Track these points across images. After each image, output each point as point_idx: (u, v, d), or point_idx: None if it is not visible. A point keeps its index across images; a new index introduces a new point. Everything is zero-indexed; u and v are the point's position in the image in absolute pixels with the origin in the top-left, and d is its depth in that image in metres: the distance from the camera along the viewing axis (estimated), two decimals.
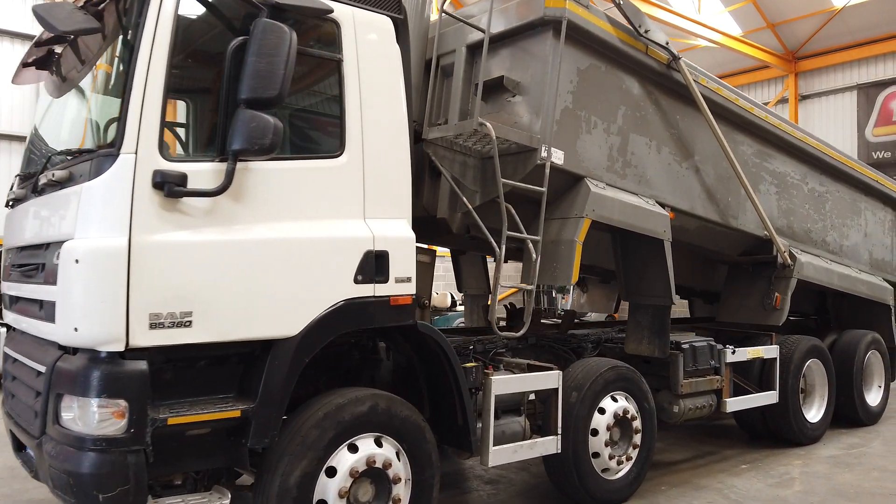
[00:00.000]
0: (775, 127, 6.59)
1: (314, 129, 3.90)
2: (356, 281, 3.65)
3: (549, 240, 4.98)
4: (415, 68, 5.27)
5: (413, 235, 3.92)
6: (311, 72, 3.76)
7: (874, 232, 8.30)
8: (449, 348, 4.07)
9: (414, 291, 3.91)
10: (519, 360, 4.94)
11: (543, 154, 4.68)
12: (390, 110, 3.93)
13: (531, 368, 4.81)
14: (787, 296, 6.67)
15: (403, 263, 3.86)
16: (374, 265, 3.72)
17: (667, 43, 5.36)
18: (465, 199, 4.77)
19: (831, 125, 16.44)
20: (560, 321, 7.11)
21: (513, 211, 4.80)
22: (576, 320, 8.06)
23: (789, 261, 6.63)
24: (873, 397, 8.03)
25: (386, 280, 3.77)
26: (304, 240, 3.48)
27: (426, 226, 5.61)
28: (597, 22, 4.95)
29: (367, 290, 3.70)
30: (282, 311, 3.41)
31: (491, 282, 4.61)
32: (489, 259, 7.04)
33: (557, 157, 4.81)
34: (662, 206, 5.59)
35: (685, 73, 5.46)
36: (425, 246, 5.98)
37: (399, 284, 3.83)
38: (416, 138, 4.95)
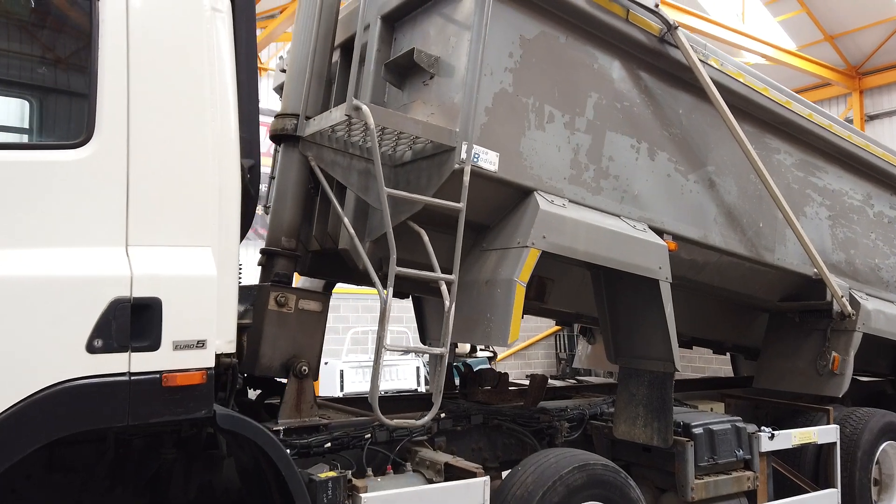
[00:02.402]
0: (825, 129, 4.94)
1: (30, 101, 2.55)
2: (91, 348, 2.23)
3: (483, 279, 3.48)
4: (319, 50, 3.92)
5: (214, 273, 2.49)
6: (33, 10, 2.43)
7: None
8: (277, 452, 2.59)
9: (210, 363, 2.46)
10: (436, 457, 3.39)
11: (462, 156, 3.21)
12: (190, 82, 2.56)
13: (449, 470, 3.26)
14: (848, 356, 4.92)
15: (191, 317, 2.43)
16: (130, 322, 2.29)
17: (656, 6, 3.85)
18: (347, 221, 3.34)
19: None
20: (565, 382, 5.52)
21: (425, 238, 3.36)
22: (576, 381, 6.45)
23: (849, 309, 4.89)
24: None
25: (154, 346, 2.34)
26: None
27: (333, 261, 4.22)
28: None
29: (114, 362, 2.27)
30: None
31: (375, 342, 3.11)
32: None
33: (488, 160, 3.34)
34: (659, 233, 4.02)
35: (685, 49, 3.93)
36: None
37: (181, 353, 2.39)
38: (296, 138, 3.61)
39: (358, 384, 12.09)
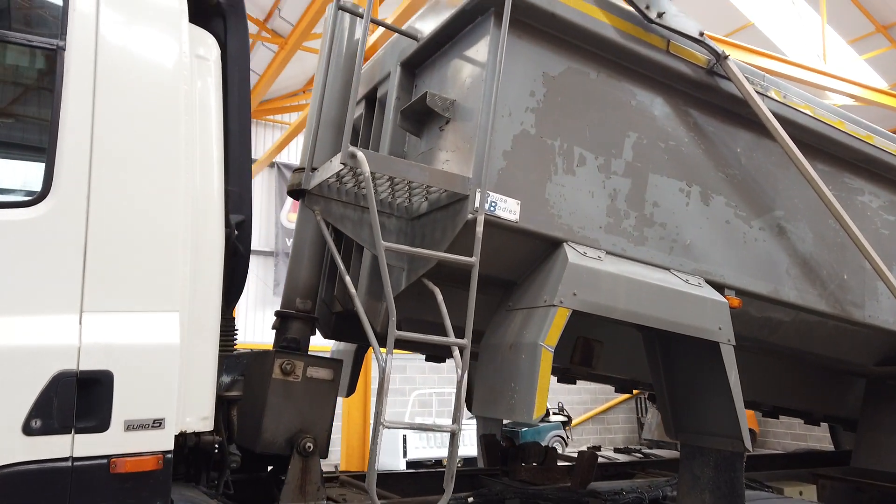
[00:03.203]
0: None
1: None
2: (29, 430, 1.98)
3: (507, 343, 3.07)
4: (335, 100, 3.74)
5: (177, 341, 2.21)
6: None
7: None
8: None
9: (169, 446, 2.16)
10: None
11: (476, 204, 2.87)
12: (162, 134, 2.37)
13: None
14: None
15: (148, 393, 2.15)
16: (76, 399, 2.04)
17: (700, 34, 3.45)
18: (348, 280, 3.04)
19: None
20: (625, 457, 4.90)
21: (439, 297, 3.02)
22: (641, 455, 5.78)
23: None
24: None
25: (102, 426, 2.07)
26: None
27: (358, 323, 3.91)
28: (573, 3, 3.17)
29: (55, 446, 2.01)
30: None
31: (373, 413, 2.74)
32: None
33: (507, 208, 2.98)
34: (720, 287, 3.50)
35: (738, 81, 3.48)
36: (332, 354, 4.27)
37: (133, 434, 2.11)
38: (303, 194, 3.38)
39: (423, 450, 11.61)
